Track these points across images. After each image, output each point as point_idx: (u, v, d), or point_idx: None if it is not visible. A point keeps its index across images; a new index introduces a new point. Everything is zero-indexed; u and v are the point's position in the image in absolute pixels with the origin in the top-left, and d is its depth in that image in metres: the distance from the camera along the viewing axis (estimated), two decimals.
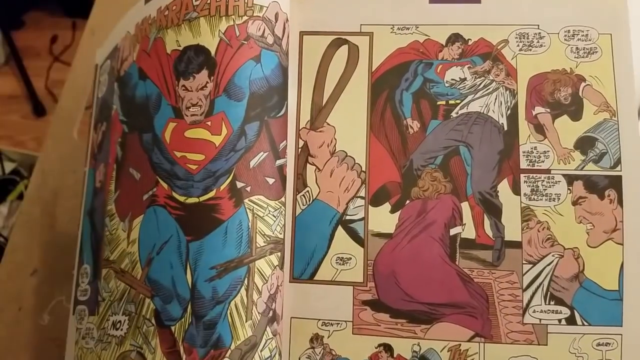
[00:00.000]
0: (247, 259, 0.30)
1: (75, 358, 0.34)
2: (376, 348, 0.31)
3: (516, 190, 0.31)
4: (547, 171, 0.31)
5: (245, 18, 0.32)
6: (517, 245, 0.31)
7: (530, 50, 0.33)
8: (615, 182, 0.31)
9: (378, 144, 0.33)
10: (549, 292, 0.30)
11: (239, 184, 0.30)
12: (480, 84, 0.33)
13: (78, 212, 0.38)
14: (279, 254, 0.31)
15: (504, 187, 0.31)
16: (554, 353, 0.30)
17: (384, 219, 0.32)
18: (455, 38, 0.33)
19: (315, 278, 0.31)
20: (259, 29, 0.32)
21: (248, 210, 0.30)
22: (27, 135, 1.22)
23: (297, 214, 0.32)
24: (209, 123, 0.31)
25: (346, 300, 0.31)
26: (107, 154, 0.36)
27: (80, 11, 0.82)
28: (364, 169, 0.32)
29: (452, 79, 0.33)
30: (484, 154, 0.32)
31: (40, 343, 0.44)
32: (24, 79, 1.30)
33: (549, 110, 0.32)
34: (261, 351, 0.29)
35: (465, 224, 0.31)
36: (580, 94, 0.32)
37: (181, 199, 0.31)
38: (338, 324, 0.31)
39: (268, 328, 0.29)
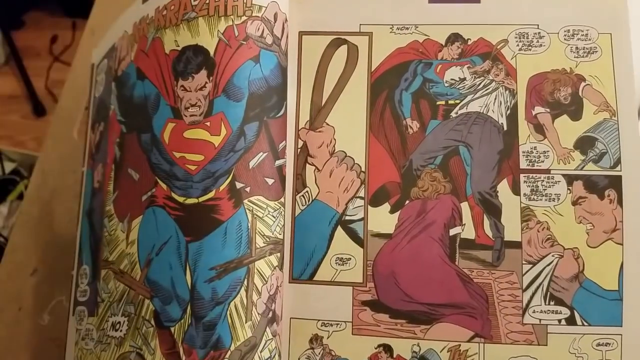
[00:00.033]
0: (246, 259, 0.29)
1: (76, 359, 0.34)
2: (376, 348, 0.31)
3: (516, 190, 0.31)
4: (547, 171, 0.31)
5: (244, 18, 0.32)
6: (516, 245, 0.31)
7: (530, 50, 0.33)
8: (615, 182, 0.31)
9: (377, 144, 0.33)
10: (548, 292, 0.30)
11: (239, 185, 0.30)
12: (480, 83, 0.33)
13: (78, 213, 0.38)
14: (279, 254, 0.31)
15: (503, 187, 0.31)
16: (554, 353, 0.30)
17: (383, 219, 0.32)
18: (454, 38, 0.33)
19: (315, 278, 0.31)
20: (258, 29, 0.32)
21: (247, 211, 0.30)
22: (27, 135, 1.22)
23: (296, 215, 0.32)
24: (208, 123, 0.31)
25: (346, 300, 0.31)
26: (105, 155, 0.36)
27: (80, 11, 0.82)
28: (363, 169, 0.32)
29: (452, 79, 0.33)
30: (484, 154, 0.32)
31: (40, 343, 0.44)
32: (24, 79, 1.30)
33: (548, 110, 0.32)
34: (261, 352, 0.29)
35: (464, 224, 0.31)
36: (580, 93, 0.32)
37: (180, 199, 0.31)
38: (338, 324, 0.31)
39: (268, 329, 0.29)
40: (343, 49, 0.34)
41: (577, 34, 0.32)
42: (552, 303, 0.30)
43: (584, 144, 0.31)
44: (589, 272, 0.30)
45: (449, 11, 0.33)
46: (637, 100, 0.32)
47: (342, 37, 0.34)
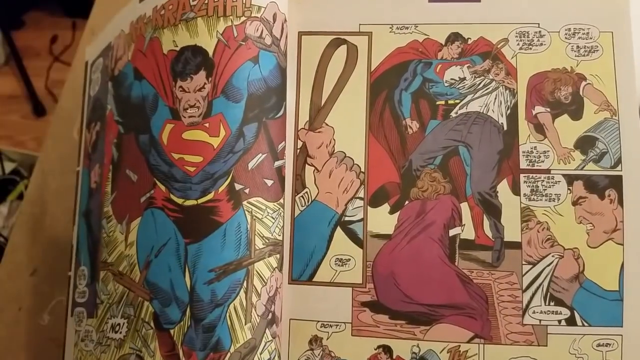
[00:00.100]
0: (246, 261, 0.29)
1: None
2: (375, 349, 0.31)
3: (516, 190, 0.31)
4: (547, 171, 0.31)
5: (243, 19, 0.32)
6: (516, 245, 0.31)
7: (531, 49, 0.32)
8: (616, 182, 0.31)
9: (377, 145, 0.32)
10: (548, 293, 0.30)
11: (238, 186, 0.30)
12: (480, 83, 0.33)
13: (74, 213, 0.38)
14: (278, 255, 0.31)
15: (503, 188, 0.31)
16: (554, 354, 0.30)
17: (383, 220, 0.32)
18: (454, 37, 0.33)
19: (314, 279, 0.31)
20: (257, 29, 0.32)
21: (247, 212, 0.30)
22: (27, 135, 1.22)
23: (295, 215, 0.32)
24: (207, 125, 0.31)
25: (345, 301, 0.31)
26: (102, 155, 0.36)
27: (80, 11, 0.82)
28: (362, 169, 0.32)
29: (452, 79, 0.33)
30: (484, 154, 0.32)
31: (40, 343, 0.44)
32: (24, 79, 1.30)
33: (549, 109, 0.32)
34: (260, 354, 0.29)
35: (464, 225, 0.31)
36: (580, 93, 0.32)
37: (179, 201, 0.31)
38: (337, 325, 0.31)
39: (267, 330, 0.29)
40: (342, 49, 0.33)
41: (578, 33, 0.32)
42: (552, 303, 0.30)
43: (585, 143, 0.31)
44: (589, 273, 0.30)
45: (448, 10, 0.33)
46: (638, 99, 0.31)
47: (342, 37, 0.34)
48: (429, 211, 0.32)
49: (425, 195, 0.32)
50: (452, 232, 0.31)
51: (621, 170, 0.31)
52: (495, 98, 0.32)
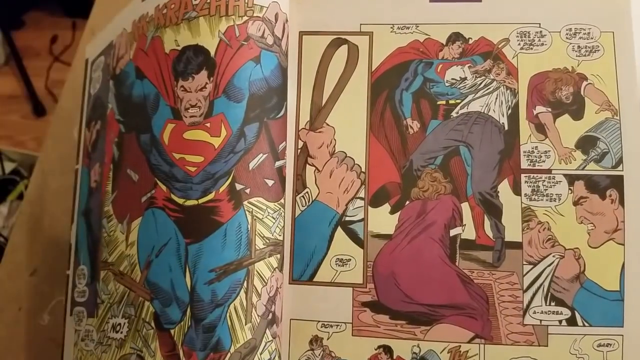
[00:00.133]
0: (246, 261, 0.29)
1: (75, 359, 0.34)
2: (376, 350, 0.31)
3: (517, 190, 0.31)
4: (548, 171, 0.31)
5: (245, 18, 0.32)
6: (517, 246, 0.31)
7: (532, 49, 0.32)
8: (617, 182, 0.31)
9: (378, 145, 0.32)
10: (549, 293, 0.30)
11: (238, 186, 0.30)
12: (481, 83, 0.33)
13: (72, 212, 0.38)
14: (278, 255, 0.31)
15: (504, 188, 0.31)
16: (555, 354, 0.30)
17: (383, 220, 0.32)
18: (455, 37, 0.33)
19: (315, 279, 0.31)
20: (259, 29, 0.32)
21: (247, 213, 0.30)
22: (27, 135, 1.22)
23: (296, 215, 0.32)
24: (208, 124, 0.31)
25: (346, 301, 0.31)
26: (102, 154, 0.36)
27: (80, 11, 0.82)
28: (363, 169, 0.32)
29: (453, 79, 0.33)
30: (485, 154, 0.32)
31: (40, 343, 0.44)
32: (24, 79, 1.30)
33: (550, 109, 0.32)
34: (261, 354, 0.29)
35: (465, 225, 0.31)
36: (581, 92, 0.32)
37: (180, 201, 0.31)
38: (338, 325, 0.31)
39: (267, 331, 0.29)
40: (343, 48, 0.33)
41: (579, 33, 0.32)
42: (552, 304, 0.30)
43: (586, 143, 0.31)
44: (590, 273, 0.30)
45: (449, 10, 0.33)
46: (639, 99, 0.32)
47: (343, 37, 0.34)
48: (430, 211, 0.32)
49: (426, 195, 0.32)
50: (452, 232, 0.31)
51: (622, 170, 0.31)
52: (496, 98, 0.32)
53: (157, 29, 0.33)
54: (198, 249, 0.30)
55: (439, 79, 0.33)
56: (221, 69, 0.31)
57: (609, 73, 0.32)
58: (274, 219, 0.31)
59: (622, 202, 0.30)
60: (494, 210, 0.31)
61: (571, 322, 0.30)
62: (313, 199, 0.32)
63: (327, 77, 0.33)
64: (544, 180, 0.31)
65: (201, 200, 0.30)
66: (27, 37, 1.37)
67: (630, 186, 0.31)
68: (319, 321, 0.31)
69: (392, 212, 0.32)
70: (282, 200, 0.31)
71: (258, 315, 0.29)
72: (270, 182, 0.31)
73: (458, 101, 0.33)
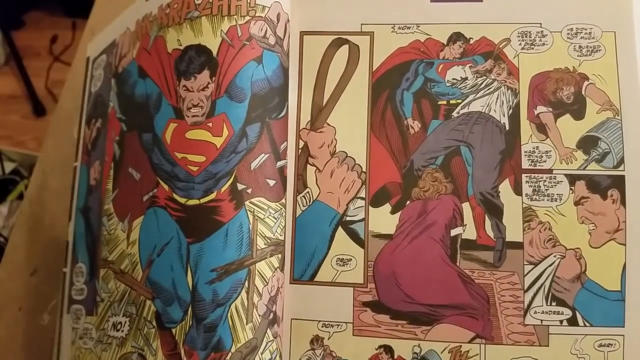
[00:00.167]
0: (247, 261, 0.29)
1: (73, 358, 0.34)
2: (376, 349, 0.30)
3: (518, 190, 0.31)
4: (549, 171, 0.31)
5: (247, 18, 0.32)
6: (518, 246, 0.31)
7: (533, 48, 0.32)
8: (618, 182, 0.31)
9: (378, 145, 0.32)
10: (550, 293, 0.30)
11: (240, 186, 0.30)
12: (482, 83, 0.33)
13: (70, 209, 0.38)
14: (280, 255, 0.31)
15: (505, 188, 0.31)
16: (556, 354, 0.30)
17: (384, 220, 0.32)
18: (456, 37, 0.33)
19: (316, 279, 0.31)
20: (261, 29, 0.32)
21: (249, 212, 0.30)
22: (27, 135, 1.22)
23: (297, 215, 0.32)
24: (210, 124, 0.31)
25: (346, 301, 0.31)
26: (102, 152, 0.36)
27: (80, 11, 0.82)
28: (364, 169, 0.32)
29: (454, 79, 0.33)
30: (485, 154, 0.32)
31: (40, 343, 0.43)
32: (24, 79, 1.30)
33: (551, 109, 0.32)
34: (262, 354, 0.29)
35: (466, 225, 0.31)
36: (583, 92, 0.32)
37: (182, 200, 0.31)
38: (338, 325, 0.31)
39: (268, 330, 0.29)
40: (344, 48, 0.33)
41: (581, 32, 0.32)
42: (553, 304, 0.30)
43: (587, 143, 0.31)
44: (591, 273, 0.30)
45: (450, 10, 0.33)
46: None
47: (344, 36, 0.34)
48: (431, 211, 0.31)
49: (427, 195, 0.32)
50: (453, 232, 0.31)
51: (624, 170, 0.31)
52: (497, 98, 0.32)
53: (160, 29, 0.33)
54: (199, 248, 0.30)
55: (439, 79, 0.33)
56: (223, 69, 0.31)
57: (610, 73, 0.32)
58: (275, 219, 0.31)
59: (623, 202, 0.30)
60: (494, 210, 0.31)
61: (572, 322, 0.30)
62: (314, 198, 0.32)
63: (328, 77, 0.33)
64: (545, 180, 0.31)
65: (203, 200, 0.30)
66: (27, 37, 1.37)
67: (631, 186, 0.31)
68: (319, 321, 0.31)
69: (393, 212, 0.32)
70: (283, 200, 0.31)
71: (259, 315, 0.29)
72: (271, 182, 0.31)
73: (459, 101, 0.33)
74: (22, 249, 0.47)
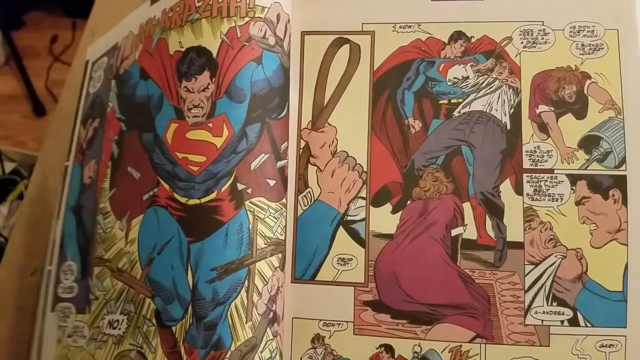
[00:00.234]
0: (247, 260, 0.29)
1: (60, 356, 0.34)
2: (377, 348, 0.30)
3: (519, 190, 0.31)
4: (551, 171, 0.31)
5: (246, 19, 0.32)
6: (519, 246, 0.31)
7: (535, 47, 0.32)
8: (620, 182, 0.31)
9: (379, 144, 0.32)
10: (551, 293, 0.30)
11: (240, 186, 0.30)
12: (483, 82, 0.33)
13: (58, 207, 0.38)
14: (280, 255, 0.30)
15: (506, 187, 0.31)
16: (557, 354, 0.30)
17: (385, 220, 0.31)
18: (457, 36, 0.33)
19: (317, 278, 0.31)
20: (261, 30, 0.32)
21: (249, 212, 0.30)
22: (27, 135, 1.22)
23: (298, 215, 0.32)
24: (210, 125, 0.31)
25: (347, 300, 0.31)
26: (99, 151, 0.36)
27: (80, 11, 0.82)
28: (365, 169, 0.32)
29: (455, 78, 0.33)
30: (487, 153, 0.32)
31: None
32: (24, 79, 1.30)
33: (552, 108, 0.32)
34: (261, 352, 0.29)
35: (466, 225, 0.31)
36: (585, 91, 0.32)
37: (182, 200, 0.31)
38: (339, 324, 0.31)
39: (268, 329, 0.29)
40: (345, 48, 0.33)
41: (583, 31, 0.32)
42: (554, 304, 0.30)
43: (589, 143, 0.31)
44: (592, 273, 0.30)
45: (452, 9, 0.33)
46: None
47: (344, 36, 0.34)
48: (431, 211, 0.31)
49: (428, 195, 0.32)
50: (454, 232, 0.31)
51: (625, 170, 0.31)
52: (499, 97, 0.32)
53: (163, 31, 0.33)
54: (200, 247, 0.30)
55: (441, 78, 0.33)
56: (223, 70, 0.31)
57: (613, 71, 0.31)
58: (276, 218, 0.31)
59: (625, 202, 0.30)
60: (495, 210, 0.31)
61: (573, 322, 0.30)
62: (315, 198, 0.32)
63: (329, 76, 0.33)
64: (546, 180, 0.31)
65: (203, 200, 0.30)
66: (27, 37, 1.37)
67: (633, 186, 0.30)
68: (320, 320, 0.31)
69: (394, 211, 0.32)
70: (284, 200, 0.31)
71: (259, 314, 0.29)
72: (271, 182, 0.31)
73: (460, 100, 0.33)
74: (22, 249, 0.47)
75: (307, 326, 0.31)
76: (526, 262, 0.30)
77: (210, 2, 0.32)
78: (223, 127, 0.31)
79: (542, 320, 0.30)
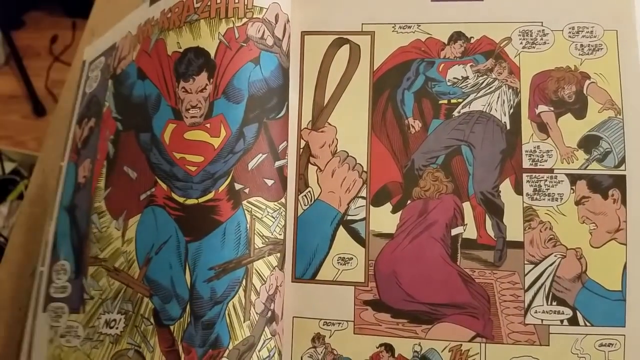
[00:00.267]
0: (245, 260, 0.29)
1: (51, 357, 0.34)
2: (377, 348, 0.30)
3: (518, 190, 0.31)
4: (550, 170, 0.31)
5: (244, 20, 0.32)
6: (519, 245, 0.31)
7: (534, 47, 0.32)
8: (619, 182, 0.31)
9: (379, 144, 0.32)
10: (551, 293, 0.30)
11: (238, 186, 0.30)
12: (483, 82, 0.33)
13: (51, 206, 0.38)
14: (278, 254, 0.30)
15: (506, 187, 0.31)
16: (556, 353, 0.30)
17: (385, 219, 0.31)
18: (457, 36, 0.33)
19: (317, 278, 0.31)
20: (259, 30, 0.32)
21: (246, 212, 0.30)
22: (27, 135, 1.22)
23: (298, 214, 0.32)
24: (208, 125, 0.31)
25: (347, 300, 0.31)
26: (94, 150, 0.36)
27: (80, 11, 0.82)
28: (365, 169, 0.32)
29: (454, 78, 0.33)
30: (486, 153, 0.32)
31: None
32: (24, 79, 1.30)
33: (552, 108, 0.32)
34: (259, 351, 0.29)
35: (466, 224, 0.31)
36: (584, 91, 0.32)
37: (180, 200, 0.31)
38: (339, 323, 0.31)
39: (266, 328, 0.29)
40: (345, 48, 0.33)
41: (582, 31, 0.32)
42: (554, 303, 0.30)
43: (588, 142, 0.31)
44: (591, 273, 0.30)
45: (451, 9, 0.33)
46: None
47: (344, 36, 0.34)
48: (431, 211, 0.31)
49: (428, 195, 0.32)
50: (454, 232, 0.31)
51: (625, 170, 0.31)
52: (498, 97, 0.32)
53: (161, 32, 0.33)
54: (198, 247, 0.30)
55: (440, 78, 0.33)
56: (221, 71, 0.31)
57: (612, 72, 0.32)
58: (274, 218, 0.31)
59: (624, 202, 0.30)
60: (495, 209, 0.31)
61: (573, 321, 0.30)
62: (315, 198, 0.32)
63: (329, 76, 0.33)
64: (546, 180, 0.31)
65: (201, 200, 0.30)
66: (27, 37, 1.37)
67: (632, 186, 0.30)
68: (321, 319, 0.31)
69: (394, 211, 0.32)
70: (282, 200, 0.31)
71: (257, 313, 0.29)
72: (270, 182, 0.31)
73: (460, 100, 0.33)
74: (21, 249, 0.47)
75: (308, 325, 0.31)
76: (526, 262, 0.30)
77: (209, 3, 0.32)
78: (220, 128, 0.31)
79: (542, 320, 0.30)
